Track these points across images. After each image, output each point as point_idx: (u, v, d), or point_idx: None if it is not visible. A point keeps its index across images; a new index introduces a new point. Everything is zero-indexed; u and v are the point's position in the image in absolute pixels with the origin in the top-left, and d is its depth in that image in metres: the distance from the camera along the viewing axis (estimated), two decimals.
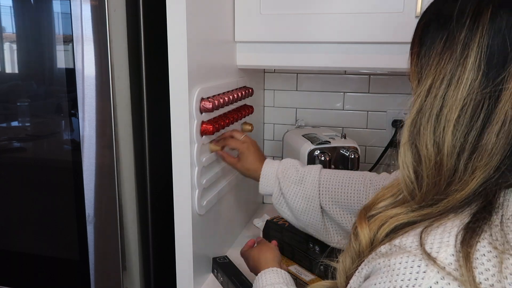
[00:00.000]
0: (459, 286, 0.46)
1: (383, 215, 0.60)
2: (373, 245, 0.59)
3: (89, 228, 1.01)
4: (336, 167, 1.26)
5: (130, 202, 1.03)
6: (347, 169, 1.25)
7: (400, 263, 0.50)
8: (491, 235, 0.50)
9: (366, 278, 0.56)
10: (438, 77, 0.55)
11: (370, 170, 1.56)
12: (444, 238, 0.50)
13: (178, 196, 1.01)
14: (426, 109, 0.56)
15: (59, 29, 0.95)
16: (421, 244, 0.50)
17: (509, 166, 0.53)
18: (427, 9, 0.63)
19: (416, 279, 0.48)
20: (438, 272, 0.47)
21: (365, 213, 0.63)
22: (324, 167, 1.22)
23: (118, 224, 1.00)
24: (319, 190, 1.01)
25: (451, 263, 0.48)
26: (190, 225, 1.01)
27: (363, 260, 0.58)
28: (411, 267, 0.49)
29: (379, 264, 0.53)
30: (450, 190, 0.55)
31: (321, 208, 1.00)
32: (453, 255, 0.48)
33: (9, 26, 1.00)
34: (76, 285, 1.06)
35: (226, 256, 1.19)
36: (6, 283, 1.11)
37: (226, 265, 1.14)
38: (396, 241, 0.54)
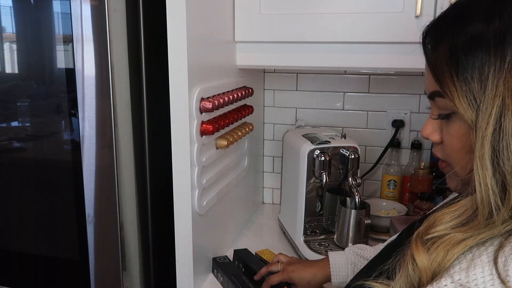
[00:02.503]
0: None
1: (447, 240, 0.55)
2: (436, 273, 0.54)
3: (89, 228, 1.01)
4: (336, 167, 1.26)
5: (130, 202, 1.03)
6: (347, 169, 1.25)
7: None
8: None
9: None
10: (509, 94, 0.53)
11: (370, 170, 1.56)
12: None
13: (178, 196, 1.01)
14: (507, 130, 0.53)
15: (59, 29, 0.95)
16: (499, 273, 0.46)
17: None
18: (442, 32, 0.61)
19: None
20: None
21: (422, 236, 0.58)
22: (324, 167, 1.22)
23: (118, 224, 1.00)
24: None
25: None
26: (190, 225, 1.01)
27: (426, 284, 0.54)
28: None
29: None
30: None
31: None
32: None
33: (9, 26, 1.00)
34: (76, 285, 1.06)
35: (226, 256, 1.19)
36: (6, 283, 1.11)
37: (226, 265, 1.14)
38: (463, 280, 0.50)
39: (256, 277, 1.07)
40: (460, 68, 0.56)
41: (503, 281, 0.46)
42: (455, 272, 0.51)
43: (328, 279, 0.98)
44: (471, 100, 0.55)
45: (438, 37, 0.61)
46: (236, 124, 1.23)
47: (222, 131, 1.13)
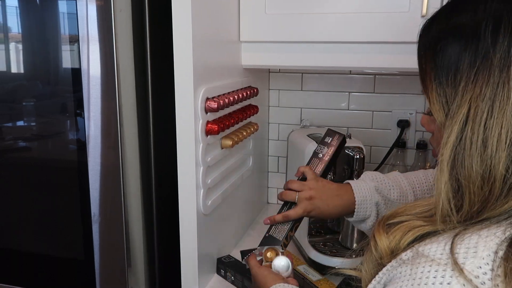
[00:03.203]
0: None
1: (406, 224, 0.58)
2: (394, 254, 0.56)
3: (94, 228, 1.01)
4: (341, 167, 1.26)
5: (135, 202, 1.03)
6: (352, 169, 1.24)
7: (422, 272, 0.48)
8: None
9: (385, 286, 0.54)
10: (475, 106, 0.52)
11: (375, 170, 1.55)
12: (479, 248, 0.48)
13: (183, 196, 1.01)
14: (467, 141, 0.53)
15: (65, 29, 0.95)
16: (452, 253, 0.48)
17: None
18: (428, 33, 0.62)
19: (441, 284, 0.46)
20: (464, 285, 0.45)
21: (385, 221, 0.61)
22: (329, 167, 1.22)
23: (124, 223, 1.00)
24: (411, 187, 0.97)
25: (478, 276, 0.45)
26: (195, 224, 1.01)
27: (382, 268, 0.56)
28: (434, 277, 0.47)
29: (400, 273, 0.51)
30: (488, 208, 0.53)
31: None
32: (480, 267, 0.46)
33: (15, 26, 1.00)
34: (81, 285, 1.06)
35: (229, 255, 1.19)
36: (12, 282, 1.12)
37: (235, 263, 1.15)
38: (420, 248, 0.52)
39: (265, 221, 1.01)
40: (438, 66, 0.57)
41: (452, 253, 0.48)
42: (418, 245, 0.53)
43: (349, 214, 0.96)
44: (443, 104, 0.57)
45: (425, 32, 0.63)
46: (241, 124, 1.23)
47: (227, 131, 1.13)
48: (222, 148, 1.12)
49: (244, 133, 1.20)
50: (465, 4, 0.58)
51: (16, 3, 0.99)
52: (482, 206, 0.53)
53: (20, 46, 1.01)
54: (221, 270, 1.15)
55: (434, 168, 1.42)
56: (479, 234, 0.50)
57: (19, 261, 1.10)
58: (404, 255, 0.53)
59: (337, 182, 1.26)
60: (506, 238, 0.49)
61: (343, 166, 1.27)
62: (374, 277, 0.57)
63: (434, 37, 0.60)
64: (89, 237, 1.02)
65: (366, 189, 0.95)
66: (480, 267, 0.46)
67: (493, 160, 0.51)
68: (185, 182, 1.00)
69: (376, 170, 1.55)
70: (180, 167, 1.00)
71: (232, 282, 1.12)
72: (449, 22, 0.59)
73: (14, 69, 1.03)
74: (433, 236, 0.53)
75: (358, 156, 1.23)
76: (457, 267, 0.46)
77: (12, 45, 1.01)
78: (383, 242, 0.58)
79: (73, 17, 0.92)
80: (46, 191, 1.05)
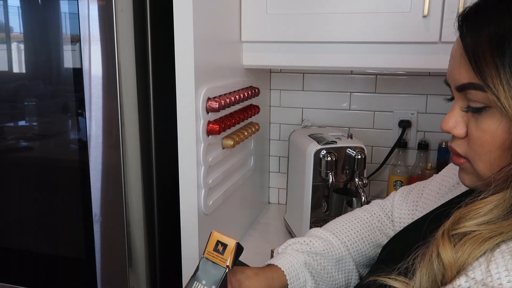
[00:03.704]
0: None
1: (476, 235, 0.52)
2: (459, 270, 0.52)
3: (95, 227, 1.02)
4: (343, 167, 1.26)
5: (137, 201, 1.03)
6: (353, 169, 1.24)
7: None
8: None
9: None
10: None
11: (377, 171, 1.55)
12: None
13: (184, 196, 1.01)
14: None
15: (66, 29, 0.95)
16: None
17: None
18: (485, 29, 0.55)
19: None
20: None
21: (450, 230, 0.55)
22: (331, 167, 1.22)
23: (125, 223, 1.00)
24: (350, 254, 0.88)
25: None
26: (196, 224, 1.01)
27: (448, 282, 0.51)
28: None
29: None
30: None
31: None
32: None
33: (17, 26, 1.00)
34: (83, 284, 1.07)
35: None
36: (13, 281, 1.12)
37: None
38: (471, 274, 0.48)
39: None
40: (508, 58, 0.52)
41: None
42: (471, 270, 0.49)
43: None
44: None
45: (480, 23, 0.55)
46: (242, 124, 1.23)
47: (229, 131, 1.13)
48: (223, 148, 1.12)
49: (246, 133, 1.20)
50: None
51: (18, 3, 0.99)
52: None
53: (21, 46, 1.01)
54: None
55: (434, 168, 1.42)
56: None
57: (20, 260, 1.11)
58: (479, 274, 0.49)
59: (336, 190, 1.24)
60: None
61: (345, 166, 1.27)
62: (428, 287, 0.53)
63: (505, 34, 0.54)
64: (90, 237, 1.02)
65: (292, 260, 0.83)
66: None
67: None
68: (186, 182, 1.00)
69: (377, 170, 1.55)
70: (181, 167, 1.00)
71: None
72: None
73: (16, 69, 1.03)
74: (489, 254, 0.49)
75: (359, 156, 1.23)
76: None
77: (14, 45, 1.01)
78: (449, 256, 0.52)
79: (75, 17, 0.92)
80: (47, 191, 1.05)
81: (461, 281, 0.49)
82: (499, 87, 0.52)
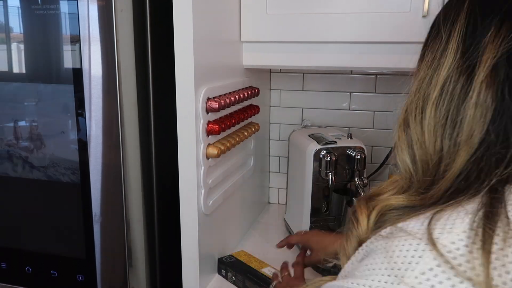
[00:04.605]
0: (455, 276, 0.44)
1: (383, 203, 0.59)
2: (372, 231, 0.58)
3: (95, 227, 1.02)
4: (342, 167, 1.26)
5: (137, 202, 1.03)
6: (353, 169, 1.24)
7: (396, 246, 0.49)
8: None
9: (361, 261, 0.55)
10: (427, 67, 0.60)
11: (377, 170, 1.55)
12: (455, 224, 0.48)
13: (184, 196, 1.01)
14: (416, 95, 0.61)
15: (66, 29, 0.95)
16: (429, 228, 0.49)
17: (494, 142, 0.52)
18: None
19: (410, 263, 0.47)
20: (435, 258, 0.46)
21: (367, 201, 0.63)
22: (331, 167, 1.22)
23: (125, 223, 1.00)
24: None
25: (451, 251, 0.46)
26: (196, 224, 1.01)
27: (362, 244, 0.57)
28: (407, 250, 0.48)
29: (376, 246, 0.52)
30: (440, 170, 0.55)
31: None
32: (454, 242, 0.46)
33: (17, 26, 1.00)
34: (83, 284, 1.07)
35: (231, 255, 1.19)
36: (12, 281, 1.12)
37: (236, 263, 1.15)
38: (400, 224, 0.53)
39: (278, 245, 1.08)
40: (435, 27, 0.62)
41: (428, 228, 0.49)
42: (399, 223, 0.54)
43: None
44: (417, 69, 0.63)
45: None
46: (242, 124, 1.23)
47: (228, 131, 1.13)
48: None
49: (245, 133, 1.20)
50: None
51: (18, 3, 0.99)
52: (432, 165, 0.57)
53: (21, 46, 1.01)
54: (222, 270, 1.15)
55: None
56: (457, 211, 0.50)
57: (20, 260, 1.11)
58: (384, 231, 0.54)
59: (336, 190, 1.26)
60: (478, 212, 0.49)
61: (344, 166, 1.27)
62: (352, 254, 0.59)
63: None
64: (90, 237, 1.02)
65: None
66: (454, 242, 0.46)
67: (425, 114, 0.60)
68: (186, 182, 1.00)
69: (377, 170, 1.55)
70: (181, 167, 1.00)
71: (233, 282, 1.12)
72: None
73: (15, 69, 1.03)
74: (413, 213, 0.54)
75: (359, 156, 1.23)
76: (431, 241, 0.47)
77: (14, 45, 1.01)
78: (364, 219, 0.60)
79: (75, 17, 0.92)
80: (47, 191, 1.05)
81: (382, 231, 0.55)
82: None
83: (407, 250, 0.48)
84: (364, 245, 0.56)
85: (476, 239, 0.46)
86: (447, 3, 0.63)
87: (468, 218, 0.49)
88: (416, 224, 0.51)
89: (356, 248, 0.59)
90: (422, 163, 0.57)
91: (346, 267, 0.58)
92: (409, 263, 0.47)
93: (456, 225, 0.48)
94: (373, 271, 0.50)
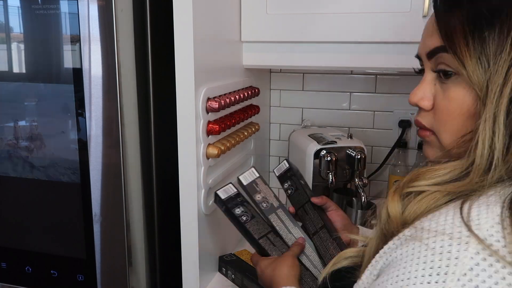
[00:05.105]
0: (503, 268, 0.43)
1: (425, 193, 0.55)
2: (402, 225, 0.54)
3: (95, 227, 1.02)
4: (342, 167, 1.26)
5: (137, 201, 1.03)
6: (353, 169, 1.24)
7: (428, 249, 0.46)
8: None
9: (381, 271, 0.52)
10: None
11: (377, 171, 1.55)
12: (489, 215, 0.47)
13: (184, 196, 1.01)
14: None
15: (66, 29, 0.95)
16: (465, 223, 0.46)
17: None
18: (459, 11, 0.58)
19: (448, 266, 0.44)
20: (477, 253, 0.44)
21: (404, 188, 0.58)
22: (331, 167, 1.22)
23: (125, 223, 1.00)
24: None
25: (492, 244, 0.44)
26: (196, 224, 1.01)
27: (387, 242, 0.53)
28: (443, 253, 0.45)
29: (401, 254, 0.49)
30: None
31: None
32: (492, 235, 0.45)
33: (17, 26, 1.00)
34: (83, 284, 1.07)
35: (232, 253, 1.20)
36: (12, 281, 1.12)
37: (236, 262, 1.15)
38: (421, 225, 0.50)
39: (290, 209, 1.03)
40: (478, 27, 0.54)
41: (465, 224, 0.47)
42: (420, 221, 0.51)
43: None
44: (483, 62, 0.54)
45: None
46: (242, 124, 1.23)
47: (228, 131, 1.13)
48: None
49: (245, 133, 1.20)
50: None
51: (18, 3, 0.99)
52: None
53: (21, 46, 1.01)
54: (223, 268, 1.16)
55: None
56: (487, 200, 0.49)
57: (20, 260, 1.11)
58: (407, 232, 0.51)
59: (336, 190, 1.26)
60: (505, 201, 0.48)
61: (345, 166, 1.27)
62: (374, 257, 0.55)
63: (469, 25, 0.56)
64: (90, 237, 1.02)
65: None
66: (492, 235, 0.45)
67: None
68: (186, 182, 1.00)
69: (377, 170, 1.55)
70: (181, 167, 1.00)
71: (233, 281, 1.12)
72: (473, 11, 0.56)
73: (16, 69, 1.03)
74: (435, 210, 0.52)
75: (359, 156, 1.23)
76: (474, 237, 0.45)
77: (14, 45, 1.01)
78: (395, 209, 0.56)
79: (75, 17, 0.92)
80: (47, 191, 1.05)
81: (405, 231, 0.52)
82: (466, 54, 0.54)
83: (443, 252, 0.45)
84: (381, 251, 0.53)
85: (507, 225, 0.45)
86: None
87: (498, 207, 0.47)
88: (440, 221, 0.49)
89: (378, 247, 0.56)
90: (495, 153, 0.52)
91: (364, 279, 0.55)
92: (446, 266, 0.44)
93: (490, 214, 0.47)
94: (408, 280, 0.46)
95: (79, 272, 1.06)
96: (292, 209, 1.01)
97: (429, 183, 0.56)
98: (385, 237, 0.56)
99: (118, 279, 1.04)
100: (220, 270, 1.17)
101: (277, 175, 1.07)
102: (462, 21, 0.55)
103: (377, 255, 0.54)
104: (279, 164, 1.08)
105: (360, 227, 1.00)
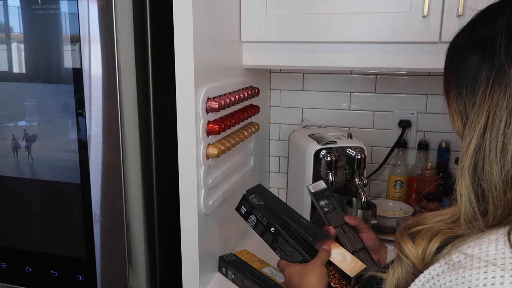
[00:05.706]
0: None
1: (430, 229, 0.59)
2: (425, 259, 0.57)
3: (95, 227, 1.02)
4: (342, 167, 1.26)
5: (136, 201, 1.03)
6: (353, 169, 1.24)
7: (478, 279, 0.47)
8: None
9: None
10: (493, 115, 0.54)
11: (376, 171, 1.55)
12: None
13: (184, 196, 1.01)
14: (486, 148, 0.54)
15: (66, 29, 0.95)
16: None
17: None
18: (454, 45, 0.64)
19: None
20: None
21: (407, 230, 0.62)
22: (330, 167, 1.22)
23: (125, 223, 1.00)
24: None
25: None
26: (196, 224, 1.01)
27: (422, 271, 0.55)
28: (492, 284, 0.46)
29: (450, 281, 0.50)
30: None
31: None
32: None
33: (17, 26, 1.00)
34: (83, 284, 1.07)
35: (232, 253, 1.20)
36: (12, 281, 1.12)
37: (236, 262, 1.15)
38: (469, 251, 0.51)
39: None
40: (459, 77, 0.60)
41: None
42: (467, 246, 0.53)
43: None
44: (461, 114, 0.59)
45: (451, 44, 0.65)
46: (242, 124, 1.23)
47: (228, 131, 1.13)
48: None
49: (245, 133, 1.20)
50: (487, 18, 0.60)
51: (18, 3, 0.99)
52: (508, 210, 0.54)
53: (22, 46, 1.01)
54: (223, 268, 1.16)
55: (433, 168, 1.43)
56: None
57: (20, 260, 1.11)
58: (450, 259, 0.52)
59: (336, 190, 1.27)
60: None
61: (344, 166, 1.27)
62: (408, 282, 0.58)
63: (458, 49, 0.63)
64: (90, 237, 1.02)
65: None
66: None
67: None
68: (186, 182, 1.00)
69: (377, 170, 1.55)
70: (181, 167, 1.00)
71: (233, 280, 1.12)
72: (471, 35, 0.61)
73: (16, 69, 1.03)
74: (468, 237, 0.54)
75: (359, 156, 1.23)
76: None
77: (14, 45, 1.01)
78: (411, 250, 0.59)
79: (75, 17, 0.92)
80: (47, 191, 1.05)
81: (452, 256, 0.53)
82: (451, 104, 0.62)
83: (495, 283, 0.46)
84: (427, 273, 0.54)
85: None
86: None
87: None
88: (490, 250, 0.49)
89: (409, 275, 0.59)
90: (495, 211, 0.55)
91: None
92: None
93: None
94: None
95: (79, 272, 1.06)
96: (331, 227, 1.02)
97: (429, 222, 0.61)
98: (412, 270, 0.59)
99: (118, 279, 1.04)
100: (220, 270, 1.17)
101: (312, 191, 1.11)
102: (452, 76, 0.62)
103: (418, 280, 0.55)
104: (314, 182, 1.14)
105: (388, 246, 1.02)
